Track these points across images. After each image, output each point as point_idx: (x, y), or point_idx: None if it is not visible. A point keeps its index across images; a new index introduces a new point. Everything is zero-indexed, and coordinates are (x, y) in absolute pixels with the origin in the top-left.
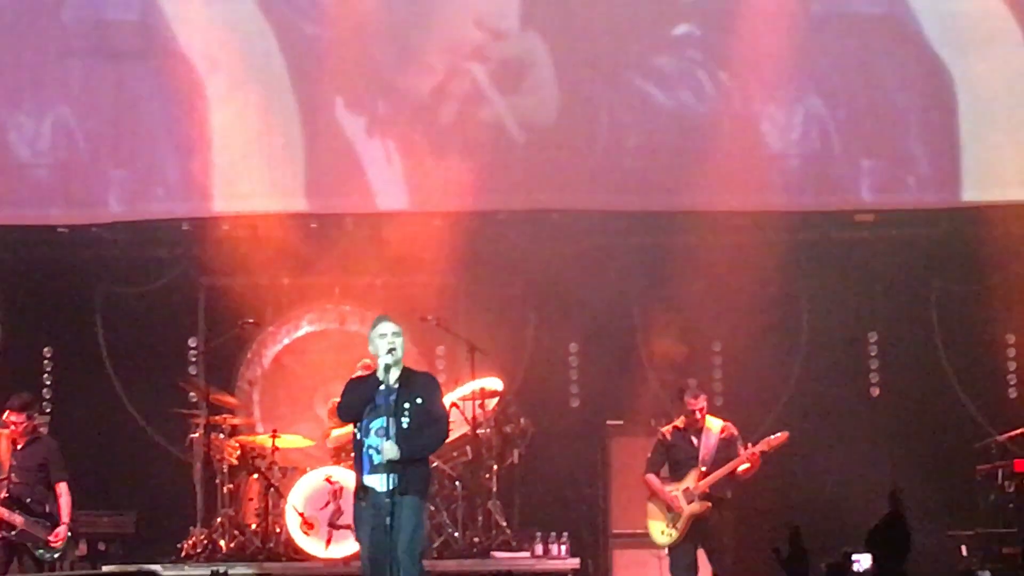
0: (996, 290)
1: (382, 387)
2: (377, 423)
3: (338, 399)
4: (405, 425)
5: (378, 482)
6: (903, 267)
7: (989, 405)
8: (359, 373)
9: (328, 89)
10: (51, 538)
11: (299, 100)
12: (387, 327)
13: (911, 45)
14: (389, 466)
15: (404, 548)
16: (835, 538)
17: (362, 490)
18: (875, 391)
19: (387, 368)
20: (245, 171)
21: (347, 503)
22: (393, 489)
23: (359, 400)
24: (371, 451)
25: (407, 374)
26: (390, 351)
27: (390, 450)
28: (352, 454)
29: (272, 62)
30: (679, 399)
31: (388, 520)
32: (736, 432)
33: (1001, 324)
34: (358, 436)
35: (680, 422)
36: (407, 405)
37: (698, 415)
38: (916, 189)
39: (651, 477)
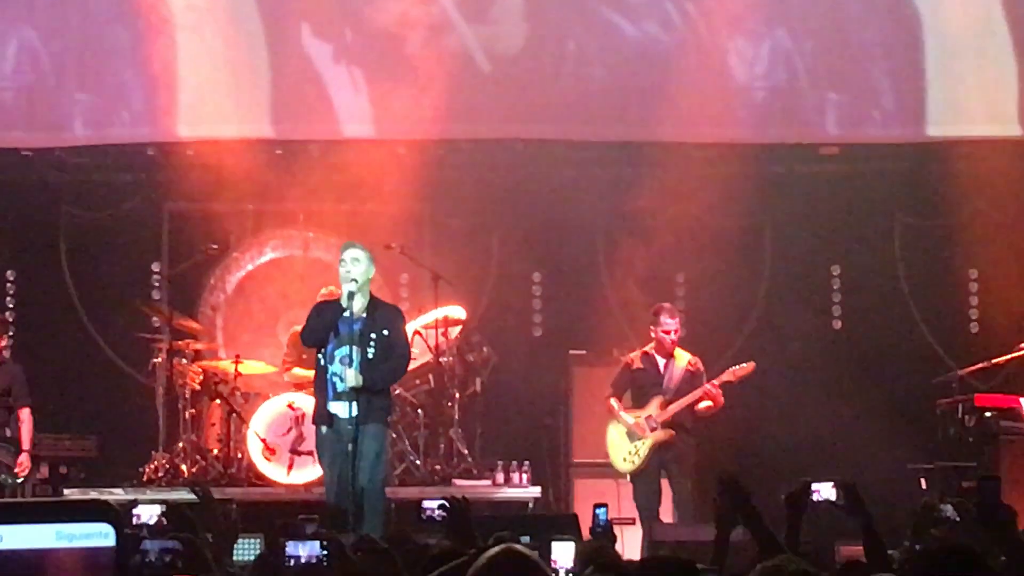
0: (959, 225)
1: (346, 314)
2: (342, 351)
3: (299, 328)
4: (371, 356)
5: (342, 409)
6: (867, 201)
7: (951, 339)
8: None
9: (295, 15)
10: (16, 466)
11: (265, 26)
12: (347, 253)
13: None
14: (352, 393)
15: (367, 476)
16: (796, 469)
17: (325, 416)
18: (837, 324)
19: (350, 295)
20: (211, 97)
21: (309, 429)
22: (356, 416)
23: (322, 326)
24: (335, 378)
25: (374, 304)
26: (350, 279)
27: (353, 378)
28: (306, 389)
29: None
30: (655, 321)
31: (351, 447)
32: (702, 369)
33: (964, 259)
34: (321, 362)
35: (651, 347)
36: (373, 336)
37: (673, 336)
38: (881, 124)
39: (613, 401)
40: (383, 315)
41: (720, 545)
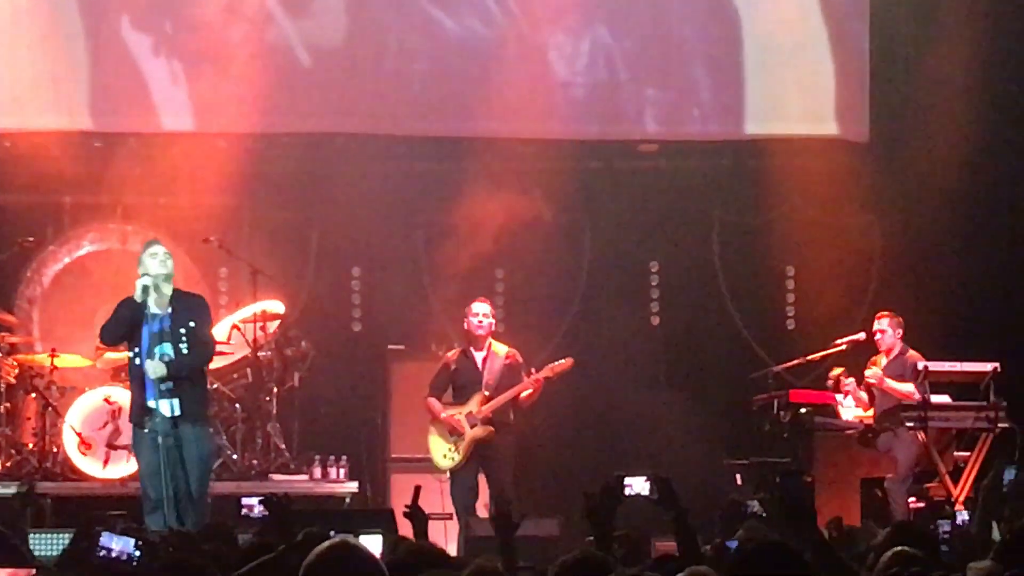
0: (777, 223)
1: (156, 311)
2: (161, 348)
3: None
4: (184, 350)
5: (165, 407)
6: (686, 198)
7: (767, 336)
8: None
9: (114, 7)
10: None
11: (84, 17)
12: (151, 249)
13: None
14: (172, 390)
15: (196, 480)
16: (613, 463)
17: (143, 414)
18: (656, 320)
19: (151, 290)
20: (29, 88)
21: (125, 424)
22: (177, 416)
23: (124, 322)
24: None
25: (177, 297)
26: (157, 275)
27: (156, 369)
28: (121, 381)
29: None
30: (466, 312)
31: (176, 447)
32: (521, 360)
33: (781, 256)
34: (137, 361)
35: (466, 343)
36: (183, 330)
37: (482, 322)
38: (700, 121)
39: (432, 400)
40: (187, 306)
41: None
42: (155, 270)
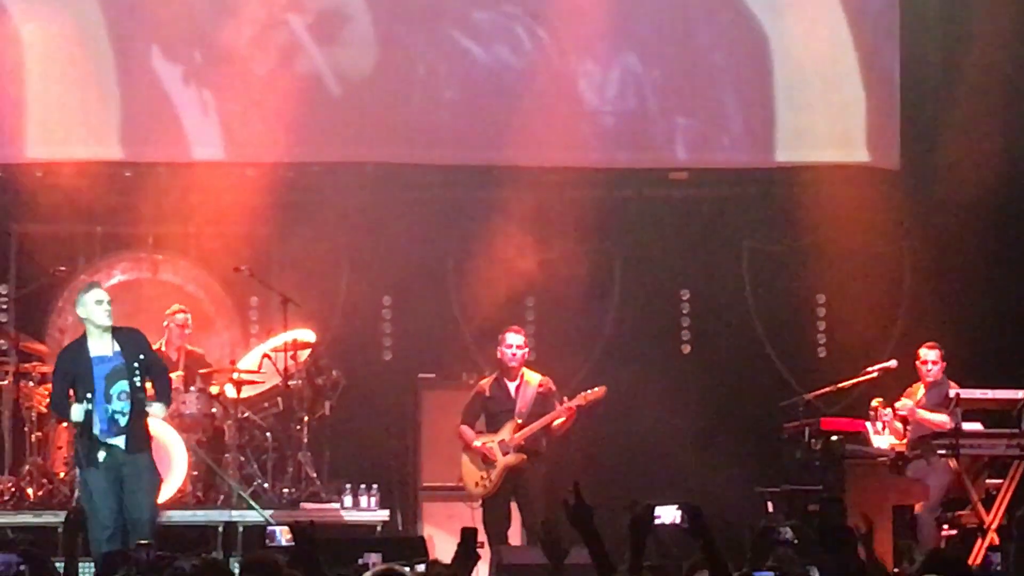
0: (807, 250)
1: (105, 353)
2: (118, 387)
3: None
4: (138, 383)
5: (120, 442)
6: (716, 226)
7: (798, 364)
8: (172, 318)
9: (144, 37)
10: None
11: (115, 48)
12: (95, 294)
13: (727, 4)
14: (127, 425)
15: (147, 507)
16: (644, 492)
17: (96, 453)
18: (686, 348)
19: (107, 332)
20: (60, 118)
21: (156, 453)
22: (127, 448)
23: (66, 390)
24: (117, 415)
25: (116, 333)
26: (107, 318)
27: (161, 410)
28: None
29: (87, 8)
30: (499, 341)
31: (131, 476)
32: (554, 388)
33: (812, 284)
34: (89, 406)
35: (499, 372)
36: (136, 364)
37: (515, 352)
38: (730, 148)
39: (465, 428)
40: (130, 340)
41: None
42: (100, 320)
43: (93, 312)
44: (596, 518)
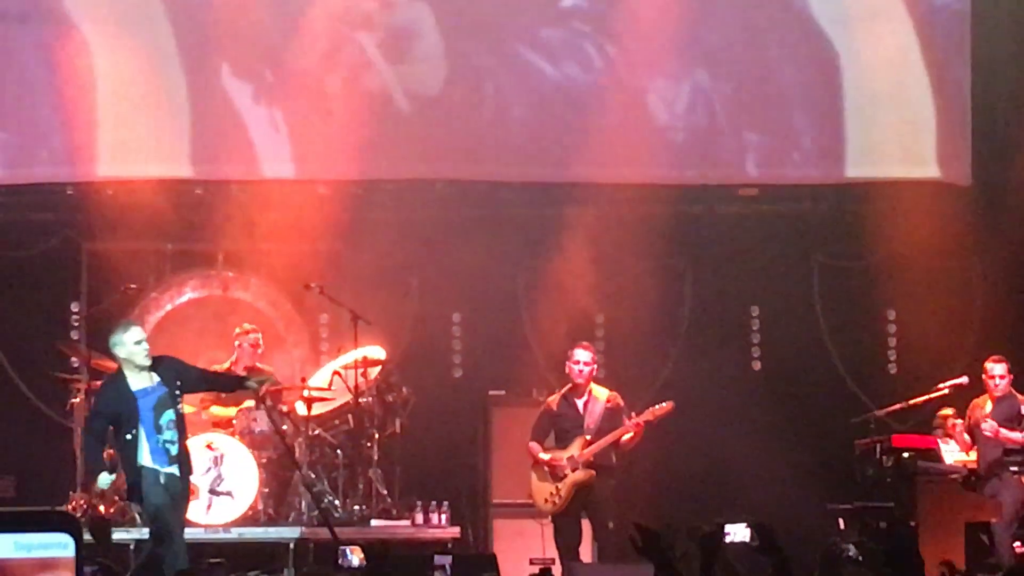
0: (877, 266)
1: (147, 386)
2: (166, 416)
3: (217, 367)
4: (180, 411)
5: (176, 470)
6: (786, 242)
7: (869, 380)
8: (243, 337)
9: (215, 56)
10: None
11: (185, 66)
12: (136, 332)
13: (797, 20)
14: (178, 454)
15: (181, 523)
16: (714, 509)
17: (161, 487)
18: (757, 365)
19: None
20: (130, 136)
21: (228, 469)
22: (181, 474)
23: (126, 414)
24: (168, 445)
25: (155, 363)
26: (145, 355)
27: (258, 383)
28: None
29: (158, 27)
30: (568, 356)
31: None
32: (622, 403)
33: (882, 300)
34: (144, 438)
35: (568, 388)
36: (176, 392)
37: (583, 368)
38: (800, 164)
39: (534, 445)
40: (167, 367)
41: None
42: (141, 361)
43: (133, 352)
44: (664, 537)
